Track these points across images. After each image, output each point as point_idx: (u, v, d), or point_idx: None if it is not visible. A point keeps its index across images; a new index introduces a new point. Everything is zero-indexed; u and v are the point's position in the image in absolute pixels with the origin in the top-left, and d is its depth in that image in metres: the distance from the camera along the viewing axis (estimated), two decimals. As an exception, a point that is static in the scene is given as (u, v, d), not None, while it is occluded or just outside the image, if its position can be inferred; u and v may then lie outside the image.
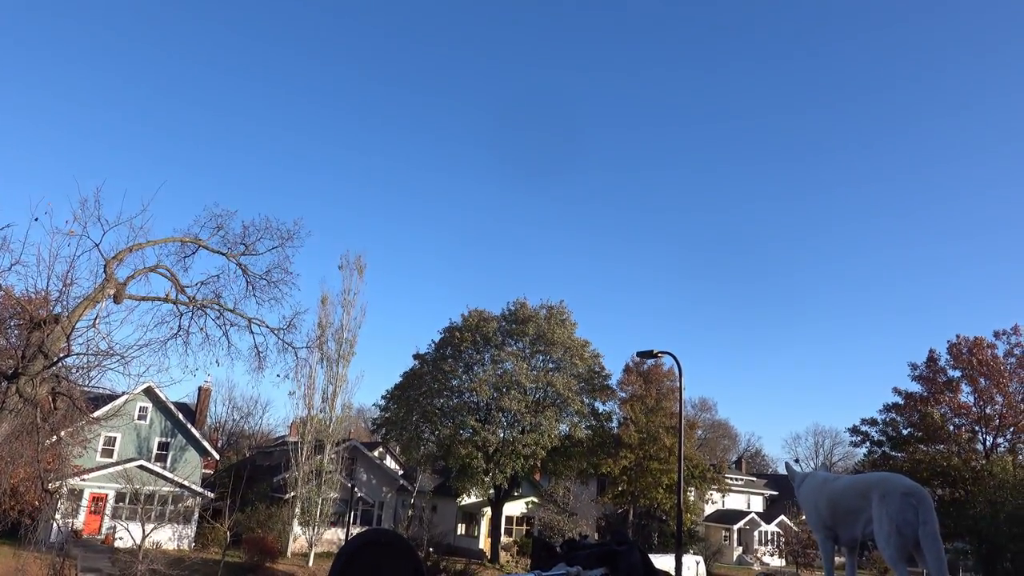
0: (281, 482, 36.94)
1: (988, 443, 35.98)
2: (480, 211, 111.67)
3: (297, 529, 35.08)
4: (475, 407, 41.19)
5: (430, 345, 43.49)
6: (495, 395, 39.84)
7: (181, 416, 37.12)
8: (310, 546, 34.01)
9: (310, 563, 32.73)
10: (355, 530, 32.44)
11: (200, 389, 41.48)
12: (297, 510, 35.01)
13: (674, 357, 23.44)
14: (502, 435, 40.00)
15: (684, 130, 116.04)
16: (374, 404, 47.07)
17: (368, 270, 40.40)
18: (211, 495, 34.97)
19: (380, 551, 2.16)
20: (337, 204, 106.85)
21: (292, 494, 35.18)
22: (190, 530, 33.91)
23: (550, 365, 41.75)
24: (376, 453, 47.66)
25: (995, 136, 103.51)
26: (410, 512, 43.46)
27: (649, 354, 24.30)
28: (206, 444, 38.61)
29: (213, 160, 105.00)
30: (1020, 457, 34.24)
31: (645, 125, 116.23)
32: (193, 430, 37.69)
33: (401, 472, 48.21)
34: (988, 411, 35.97)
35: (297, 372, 34.59)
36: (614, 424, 43.30)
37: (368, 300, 79.87)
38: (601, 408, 43.36)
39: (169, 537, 32.23)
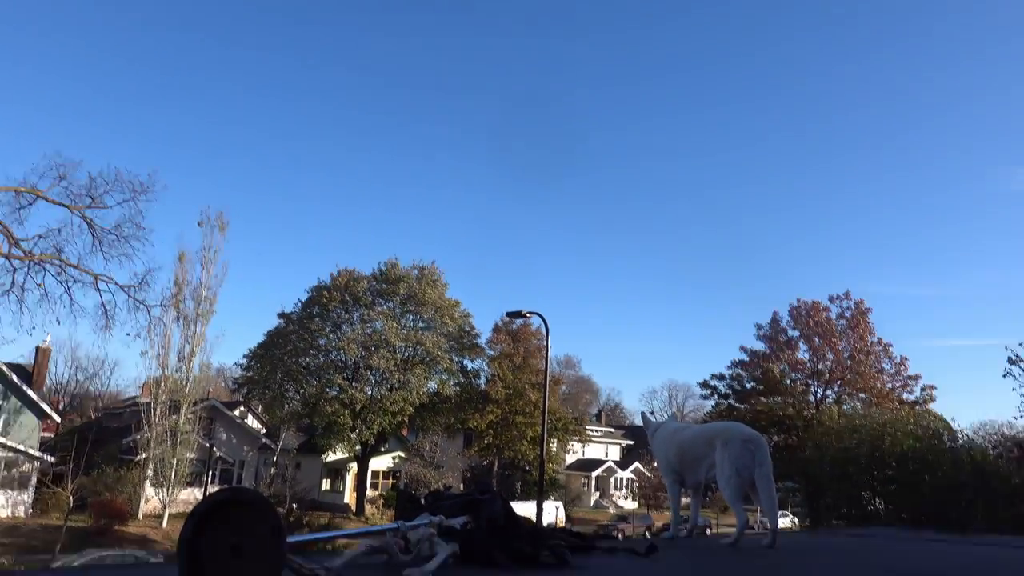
0: (132, 444, 34.97)
1: (819, 395, 39.64)
2: (349, 172, 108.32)
3: (150, 491, 33.47)
4: (342, 365, 40.56)
5: (296, 304, 42.23)
6: (363, 354, 39.38)
7: (15, 377, 34.09)
8: (164, 507, 32.60)
9: (164, 524, 31.40)
10: (213, 490, 31.35)
11: (38, 349, 38.27)
12: (150, 472, 33.36)
13: (542, 317, 24.07)
14: (370, 393, 39.71)
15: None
16: (235, 364, 45.32)
17: (232, 228, 38.45)
18: (51, 459, 32.59)
19: (235, 510, 2.11)
20: (198, 159, 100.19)
21: (144, 455, 33.43)
22: (27, 496, 31.57)
23: (420, 324, 41.68)
24: (237, 412, 46.03)
25: (838, 103, 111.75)
26: (272, 470, 42.47)
27: (518, 314, 24.81)
28: (45, 406, 35.77)
29: (63, 100, 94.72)
30: (844, 407, 37.93)
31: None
32: (29, 392, 34.76)
33: (264, 431, 46.89)
34: (820, 367, 39.56)
35: (151, 331, 32.55)
36: (482, 381, 44.03)
37: (231, 259, 76.24)
38: (470, 366, 43.94)
39: (1, 504, 29.88)
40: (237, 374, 44.56)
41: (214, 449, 36.94)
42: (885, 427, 22.56)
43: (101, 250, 15.87)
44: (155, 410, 33.48)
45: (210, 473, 36.24)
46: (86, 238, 15.69)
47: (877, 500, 21.40)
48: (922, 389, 38.87)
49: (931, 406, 36.55)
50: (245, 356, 42.21)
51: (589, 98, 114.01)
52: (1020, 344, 19.75)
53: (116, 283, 15.81)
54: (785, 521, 35.52)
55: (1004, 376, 19.94)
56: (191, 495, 34.23)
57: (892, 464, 20.70)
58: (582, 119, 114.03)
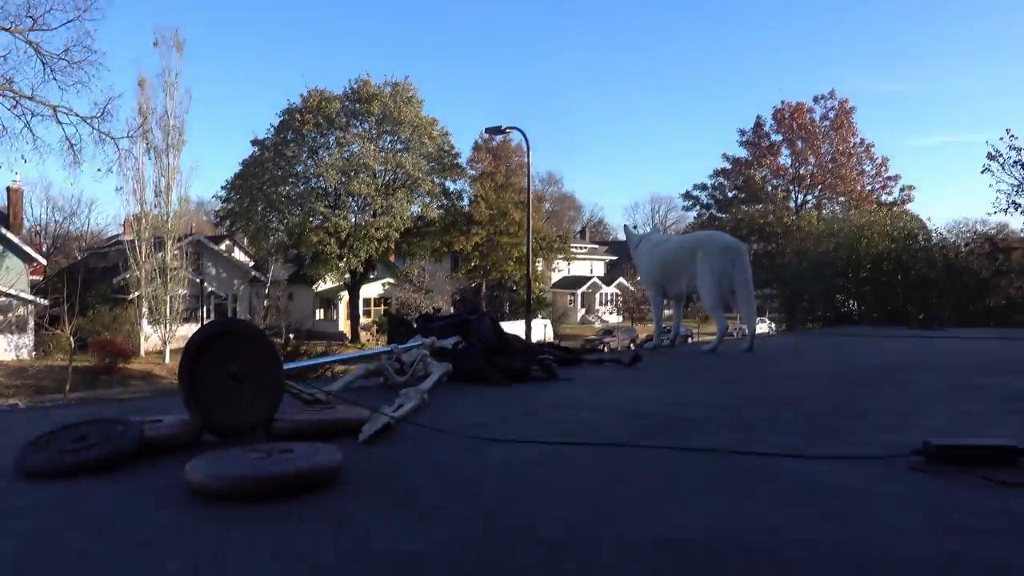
0: (122, 283, 35.28)
1: (799, 201, 40.08)
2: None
3: (148, 328, 34.27)
4: (323, 193, 40.17)
5: (269, 130, 40.96)
6: (343, 179, 38.88)
7: (-9, 220, 33.67)
8: (164, 344, 33.55)
9: (166, 360, 32.52)
10: (210, 323, 32.06)
11: (9, 190, 37.38)
12: (145, 310, 33.95)
13: (522, 132, 23.60)
14: (354, 220, 39.69)
15: None
16: (214, 196, 44.70)
17: (193, 50, 36.26)
18: (44, 302, 33.00)
19: (230, 340, 2.15)
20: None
21: (136, 294, 33.87)
22: (28, 339, 32.28)
23: (398, 146, 40.84)
24: (223, 246, 46.13)
25: None
26: (265, 302, 43.37)
27: (497, 130, 24.27)
28: (28, 249, 35.59)
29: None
30: (823, 212, 38.51)
31: None
32: (9, 235, 34.42)
33: (252, 264, 47.30)
34: (802, 172, 39.64)
35: (121, 165, 31.75)
36: (465, 203, 43.97)
37: (194, 82, 72.70)
38: (452, 187, 43.64)
39: (4, 349, 30.62)
40: (217, 207, 44.18)
41: (205, 284, 37.43)
42: (862, 230, 23.04)
43: (54, 78, 15.02)
44: (140, 248, 33.45)
45: (204, 308, 36.97)
46: (35, 65, 14.79)
47: (852, 302, 22.33)
48: (901, 190, 39.30)
49: (908, 206, 37.15)
50: (223, 188, 41.62)
51: None
52: (1000, 139, 19.71)
53: (77, 115, 15.08)
54: (763, 327, 37.22)
55: (982, 172, 20.05)
56: (189, 331, 35.07)
57: (867, 266, 21.41)
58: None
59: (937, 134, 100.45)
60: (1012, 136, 19.62)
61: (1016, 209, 20.18)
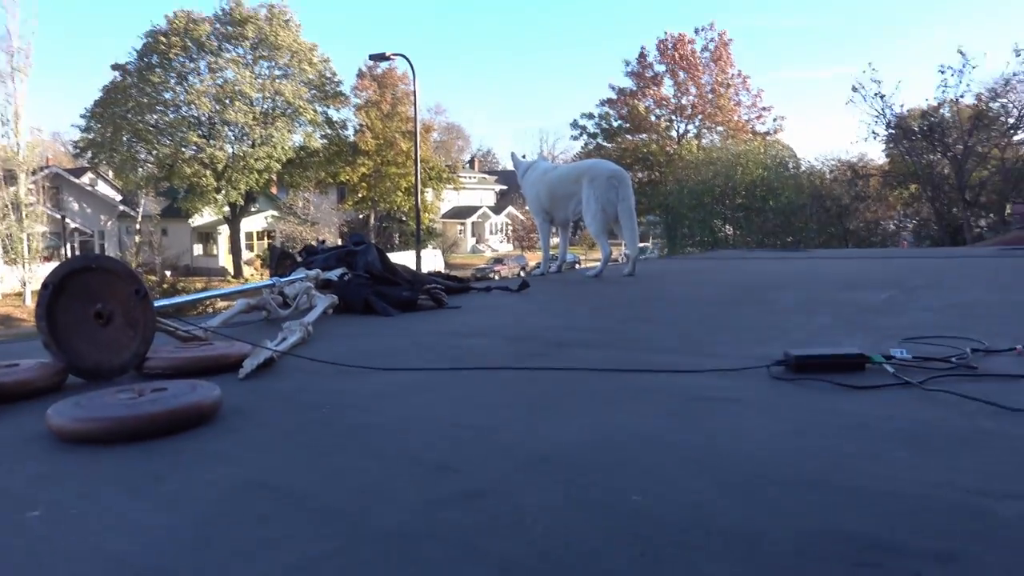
0: (-31, 220, 32.27)
1: (681, 130, 41.22)
2: None
3: (3, 268, 31.70)
4: (196, 122, 37.78)
5: (131, 54, 37.78)
6: (217, 108, 36.66)
7: None
8: (23, 284, 31.19)
9: (27, 302, 30.28)
10: (76, 263, 30.03)
11: None
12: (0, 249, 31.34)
13: (407, 59, 22.89)
14: (231, 150, 37.71)
15: None
16: (73, 126, 41.15)
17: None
18: None
19: (93, 276, 2.01)
20: None
21: (-12, 232, 31.12)
22: None
23: (277, 72, 38.79)
24: (86, 179, 42.80)
25: None
26: (137, 238, 40.87)
27: (381, 56, 23.48)
28: None
29: None
30: (703, 141, 39.83)
31: None
32: None
33: (120, 198, 44.22)
34: (684, 102, 40.66)
35: (-41, 91, 28.72)
36: (350, 132, 42.59)
37: (41, 2, 65.68)
38: (336, 116, 42.12)
39: None
40: (76, 137, 40.76)
41: (67, 220, 34.80)
42: (738, 158, 24.16)
43: None
44: (-11, 182, 30.59)
45: (68, 246, 34.49)
46: None
47: (728, 227, 23.52)
48: (774, 120, 41.14)
49: (780, 136, 39.01)
50: (82, 116, 38.35)
51: None
52: (863, 72, 20.97)
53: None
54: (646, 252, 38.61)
55: (847, 103, 21.36)
56: (50, 270, 32.73)
57: (742, 193, 22.52)
58: None
59: (805, 69, 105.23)
60: (874, 70, 20.96)
61: (875, 138, 21.74)
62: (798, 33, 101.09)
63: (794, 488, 1.08)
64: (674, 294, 4.30)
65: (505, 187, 60.91)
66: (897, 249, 17.19)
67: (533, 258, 42.80)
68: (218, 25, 37.45)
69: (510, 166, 6.69)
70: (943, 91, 20.25)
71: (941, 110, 20.62)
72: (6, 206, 30.92)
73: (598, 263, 5.31)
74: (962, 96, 20.36)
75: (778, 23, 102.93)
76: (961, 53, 19.57)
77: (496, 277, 36.00)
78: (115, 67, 37.74)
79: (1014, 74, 19.80)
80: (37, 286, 26.99)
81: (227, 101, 36.57)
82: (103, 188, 45.09)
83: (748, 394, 1.69)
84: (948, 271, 5.19)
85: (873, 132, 21.37)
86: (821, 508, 1.01)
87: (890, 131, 21.48)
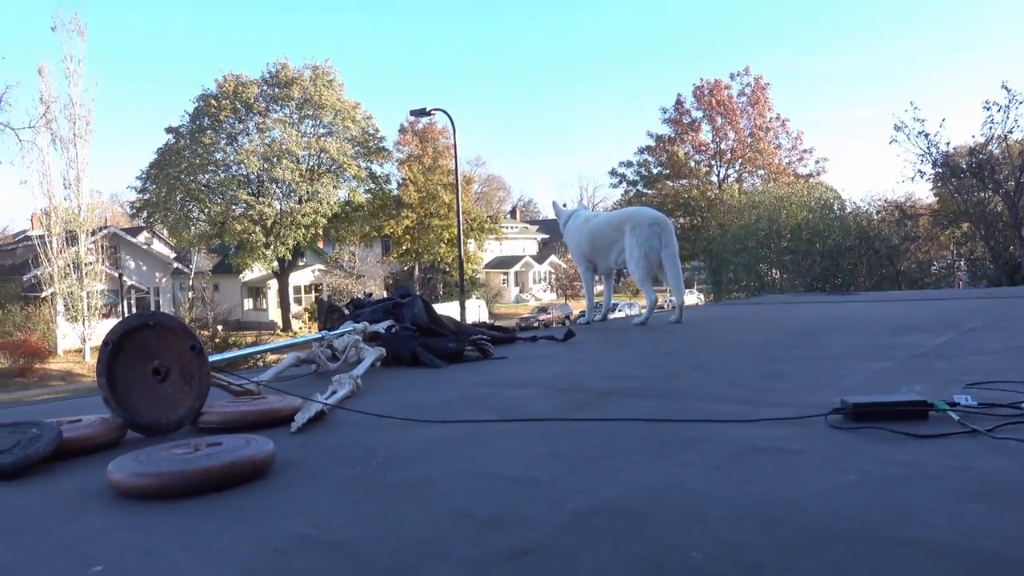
0: (34, 280, 33.60)
1: (721, 175, 41.13)
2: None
3: (65, 326, 32.79)
4: (246, 180, 39.06)
5: (183, 117, 39.46)
6: (265, 166, 37.89)
7: None
8: (83, 341, 32.18)
9: (86, 358, 31.20)
10: (132, 319, 30.88)
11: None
12: (60, 307, 32.47)
13: (447, 114, 23.41)
14: (279, 207, 38.78)
15: None
16: (129, 187, 42.90)
17: (96, 35, 34.51)
18: (-52, 304, 31.18)
19: (151, 333, 2.07)
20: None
21: (51, 291, 32.31)
22: (-69, 342, 30.46)
23: (321, 130, 40.02)
24: (142, 238, 44.39)
25: None
26: (190, 294, 42.02)
27: (422, 112, 24.06)
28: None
29: None
30: (745, 185, 39.64)
31: None
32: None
33: (174, 255, 45.70)
34: (723, 147, 40.66)
35: (24, 157, 30.22)
36: (393, 186, 43.49)
37: (100, 68, 69.24)
38: (379, 171, 43.11)
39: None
40: (132, 198, 42.46)
41: (124, 278, 36.01)
42: (781, 201, 23.92)
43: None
44: (51, 243, 31.89)
45: (125, 303, 35.59)
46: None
47: (774, 271, 23.19)
48: (816, 162, 40.82)
49: (823, 178, 38.61)
50: (138, 178, 40.00)
51: None
52: (905, 111, 20.72)
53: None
54: (691, 298, 38.23)
55: (890, 143, 21.02)
56: (109, 327, 33.69)
57: (787, 236, 22.23)
58: None
59: (847, 108, 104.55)
60: (916, 108, 20.66)
61: (922, 177, 21.30)
62: (835, 74, 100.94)
63: (860, 544, 1.04)
64: (723, 340, 4.23)
65: (547, 236, 61.22)
66: (952, 290, 16.69)
67: (577, 306, 42.69)
68: (265, 87, 38.95)
69: (551, 215, 6.76)
70: (990, 128, 19.85)
71: (989, 147, 20.19)
72: (68, 265, 32.15)
73: (644, 310, 5.27)
74: (1010, 132, 19.94)
75: (814, 65, 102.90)
76: (1006, 88, 19.21)
77: (540, 326, 35.94)
78: (169, 130, 39.42)
79: (1064, 108, 19.36)
80: (96, 343, 27.88)
81: (274, 159, 37.78)
82: (158, 246, 46.69)
83: (806, 444, 1.64)
84: (1008, 312, 5.01)
85: (919, 171, 20.96)
86: (890, 565, 0.96)
87: (937, 170, 21.06)
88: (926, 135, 20.49)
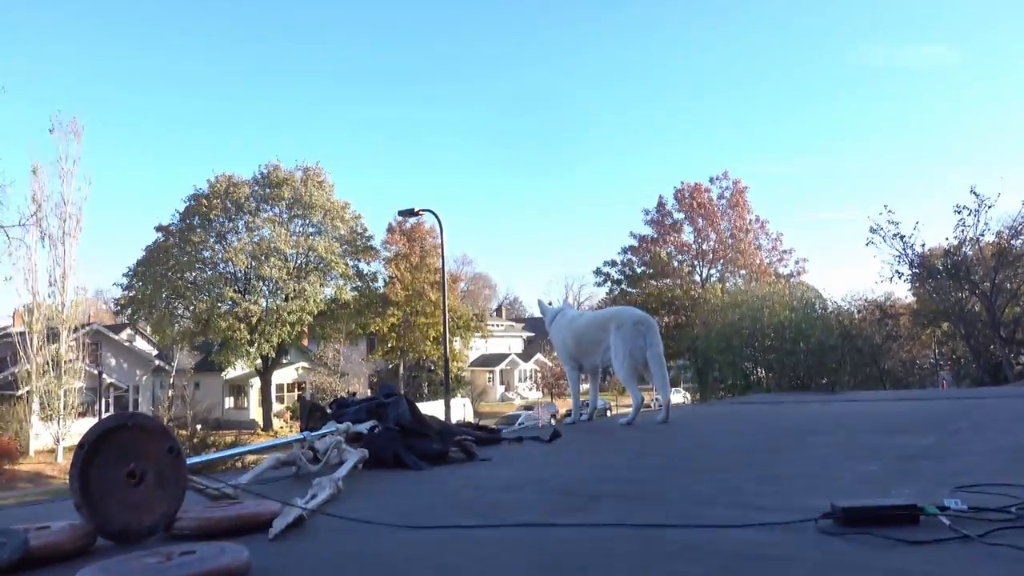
0: (10, 378, 32.94)
1: (704, 275, 41.76)
2: (215, 63, 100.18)
3: (39, 426, 31.93)
4: (232, 278, 39.19)
5: (174, 215, 39.97)
6: (253, 264, 38.12)
7: None
8: (57, 441, 31.29)
9: (59, 459, 30.26)
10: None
11: None
12: (36, 405, 31.72)
13: (435, 214, 23.87)
14: (265, 304, 38.77)
15: None
16: (115, 284, 42.88)
17: (92, 135, 35.36)
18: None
19: (127, 434, 2.03)
20: (43, 57, 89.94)
21: (27, 389, 31.65)
22: (-102, 442, 29.49)
23: (310, 229, 40.55)
24: (124, 335, 43.99)
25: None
26: (170, 392, 41.30)
27: (410, 212, 24.51)
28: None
29: None
30: (727, 284, 40.21)
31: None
32: None
33: (156, 353, 45.19)
34: (704, 247, 41.50)
35: (11, 254, 30.24)
36: (380, 284, 43.75)
37: (94, 168, 70.52)
38: (366, 269, 43.47)
39: None
40: (118, 294, 42.33)
41: (103, 376, 35.41)
42: (764, 300, 24.22)
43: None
44: (31, 340, 31.48)
45: (103, 401, 34.86)
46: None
47: (759, 369, 23.21)
48: (796, 262, 41.61)
49: (804, 278, 39.27)
50: (125, 275, 40.04)
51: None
52: (880, 214, 21.31)
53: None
54: (678, 397, 38.01)
55: (866, 245, 21.54)
56: (86, 426, 32.91)
57: (771, 335, 22.40)
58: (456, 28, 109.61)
59: (823, 211, 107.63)
60: (890, 211, 21.30)
61: (900, 277, 21.73)
62: (811, 177, 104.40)
63: (856, 658, 1.01)
64: (710, 441, 4.19)
65: (532, 334, 61.30)
66: (936, 390, 16.74)
67: (564, 405, 42.23)
68: (256, 187, 39.70)
69: (537, 313, 6.76)
70: (962, 230, 20.45)
71: (963, 249, 20.74)
72: (47, 363, 31.65)
73: (630, 410, 5.24)
74: (982, 235, 20.54)
75: (790, 169, 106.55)
76: (975, 194, 19.91)
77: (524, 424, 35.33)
78: (159, 228, 39.81)
79: (1032, 212, 20.05)
80: (71, 442, 27.09)
81: (263, 257, 38.06)
82: (140, 344, 46.24)
83: (796, 551, 1.61)
84: (992, 411, 5.02)
85: (897, 272, 21.43)
86: None
87: (914, 270, 21.53)
88: (901, 237, 21.06)
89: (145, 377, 40.87)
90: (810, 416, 5.36)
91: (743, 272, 40.46)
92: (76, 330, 33.50)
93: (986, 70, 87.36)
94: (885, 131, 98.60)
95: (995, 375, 19.26)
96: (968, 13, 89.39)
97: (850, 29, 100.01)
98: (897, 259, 21.33)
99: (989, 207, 19.84)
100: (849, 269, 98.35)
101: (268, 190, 39.44)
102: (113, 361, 39.04)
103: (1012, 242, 20.50)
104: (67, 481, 2.02)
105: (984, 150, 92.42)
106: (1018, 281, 20.17)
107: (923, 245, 21.45)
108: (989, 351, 20.63)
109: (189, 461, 2.17)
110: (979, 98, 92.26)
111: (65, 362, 32.03)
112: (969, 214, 20.05)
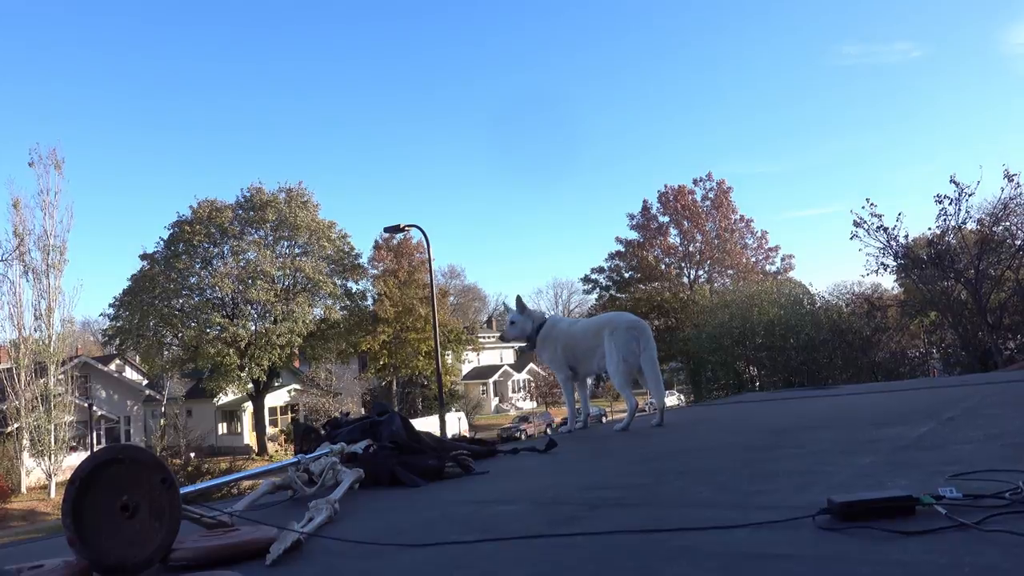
0: (-1, 415, 32.61)
1: (692, 276, 41.96)
2: (192, 86, 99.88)
3: (29, 462, 31.57)
4: (220, 303, 39.01)
5: (158, 243, 39.78)
6: (240, 288, 37.96)
7: None
8: (49, 477, 30.94)
9: (51, 495, 29.91)
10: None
11: None
12: (26, 441, 31.36)
13: (421, 229, 23.88)
14: (253, 328, 38.59)
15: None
16: (102, 314, 42.60)
17: (73, 167, 35.18)
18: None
19: (119, 468, 2.01)
20: (19, 88, 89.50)
21: (16, 425, 31.31)
22: None
23: (296, 250, 40.46)
24: (113, 366, 43.65)
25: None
26: (162, 421, 40.96)
27: (396, 228, 24.53)
28: None
29: None
30: (715, 285, 40.40)
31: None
32: None
33: (146, 382, 44.86)
34: (691, 249, 41.71)
35: (-5, 289, 30.01)
36: (369, 302, 43.66)
37: (75, 199, 70.13)
38: (355, 288, 43.39)
39: None
40: (105, 325, 42.02)
41: (94, 408, 35.08)
42: (752, 299, 24.36)
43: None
44: (19, 376, 31.18)
45: (94, 434, 34.52)
46: None
47: (751, 368, 23.30)
48: (782, 259, 41.91)
49: (791, 274, 39.53)
50: (111, 305, 39.79)
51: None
52: (863, 207, 21.48)
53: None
54: (672, 400, 38.08)
55: (851, 238, 21.69)
56: (78, 460, 32.60)
57: (761, 332, 22.51)
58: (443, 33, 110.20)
59: (807, 207, 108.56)
60: (872, 204, 21.47)
61: (885, 269, 21.88)
62: (794, 175, 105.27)
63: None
64: (706, 442, 4.19)
65: (524, 344, 61.30)
66: (927, 379, 16.84)
67: (559, 414, 42.25)
68: (240, 211, 39.58)
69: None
70: (944, 220, 20.64)
71: (946, 237, 20.92)
72: (36, 398, 31.33)
73: (625, 415, 5.24)
74: (964, 223, 20.73)
75: (771, 168, 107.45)
76: (954, 183, 20.11)
77: (523, 436, 35.33)
78: (143, 256, 39.59)
79: (1011, 198, 20.27)
80: (63, 477, 26.81)
81: (249, 281, 37.92)
82: (130, 374, 45.88)
83: (795, 549, 1.61)
84: (983, 399, 5.05)
85: (883, 264, 21.57)
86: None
87: (899, 261, 21.69)
88: (885, 229, 21.21)
89: (136, 407, 40.53)
90: (804, 412, 5.38)
91: (730, 272, 40.70)
92: (64, 363, 33.20)
93: (951, 62, 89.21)
94: (863, 126, 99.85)
95: (984, 362, 19.40)
96: (932, 10, 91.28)
97: (825, 29, 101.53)
98: (882, 251, 21.48)
99: (970, 195, 20.03)
100: (835, 264, 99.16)
101: (252, 213, 39.34)
102: (103, 393, 38.71)
103: (993, 229, 20.71)
104: (61, 518, 2.00)
105: (962, 139, 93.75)
106: (1002, 267, 20.36)
107: (907, 236, 21.64)
108: (977, 338, 20.79)
109: (183, 490, 2.15)
110: (946, 88, 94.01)
111: (54, 396, 31.73)
112: (950, 203, 20.25)
